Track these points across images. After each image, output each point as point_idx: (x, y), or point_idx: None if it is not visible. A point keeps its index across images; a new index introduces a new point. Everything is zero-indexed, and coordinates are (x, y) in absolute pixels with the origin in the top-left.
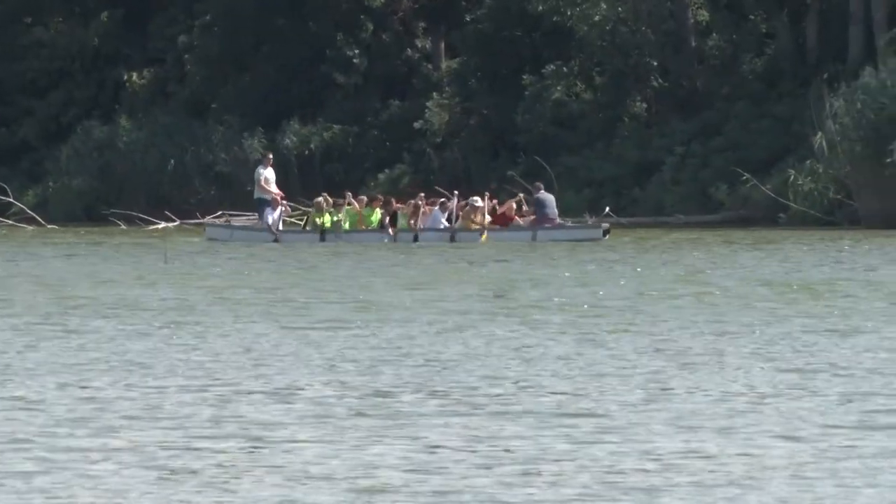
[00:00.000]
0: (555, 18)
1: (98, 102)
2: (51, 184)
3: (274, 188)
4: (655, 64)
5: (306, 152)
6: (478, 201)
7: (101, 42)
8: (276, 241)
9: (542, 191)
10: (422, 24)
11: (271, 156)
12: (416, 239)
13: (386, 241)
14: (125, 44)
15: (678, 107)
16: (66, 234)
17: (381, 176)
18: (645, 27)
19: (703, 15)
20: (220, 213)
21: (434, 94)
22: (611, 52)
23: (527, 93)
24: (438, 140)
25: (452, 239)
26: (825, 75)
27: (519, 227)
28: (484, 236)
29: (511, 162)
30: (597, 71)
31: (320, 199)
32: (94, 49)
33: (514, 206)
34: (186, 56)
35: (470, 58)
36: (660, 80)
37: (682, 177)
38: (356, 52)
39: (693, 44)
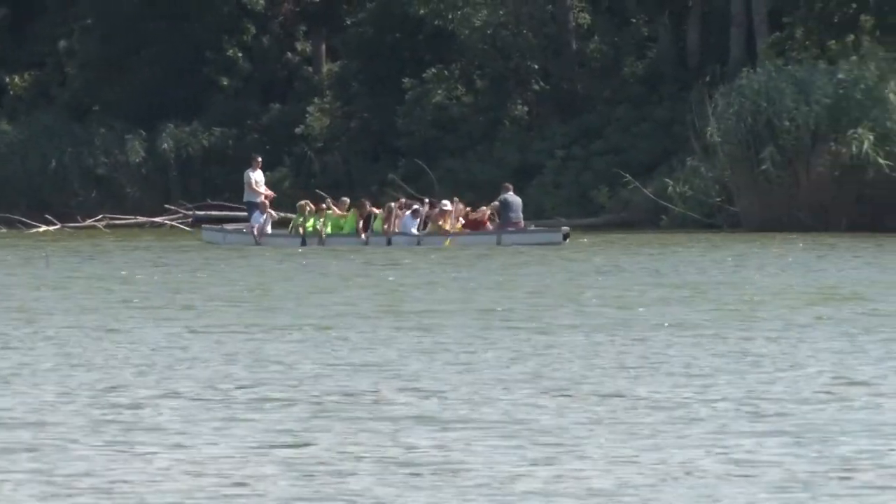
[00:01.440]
0: (436, 22)
1: None
2: None
3: (263, 189)
4: (536, 67)
5: (185, 155)
6: (447, 205)
7: None
8: (257, 244)
9: (510, 192)
10: (302, 28)
11: (260, 158)
12: (388, 242)
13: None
14: (6, 47)
15: (559, 110)
16: None
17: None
18: (526, 30)
19: (585, 18)
20: (100, 216)
21: (315, 97)
22: (492, 55)
23: (408, 96)
24: (319, 144)
25: (419, 243)
26: (706, 78)
27: (484, 231)
28: (448, 241)
29: (392, 165)
30: (478, 74)
31: (303, 202)
32: None
33: (488, 212)
34: (67, 59)
35: (351, 61)
36: (541, 83)
37: (562, 180)
38: (237, 54)
39: (574, 47)
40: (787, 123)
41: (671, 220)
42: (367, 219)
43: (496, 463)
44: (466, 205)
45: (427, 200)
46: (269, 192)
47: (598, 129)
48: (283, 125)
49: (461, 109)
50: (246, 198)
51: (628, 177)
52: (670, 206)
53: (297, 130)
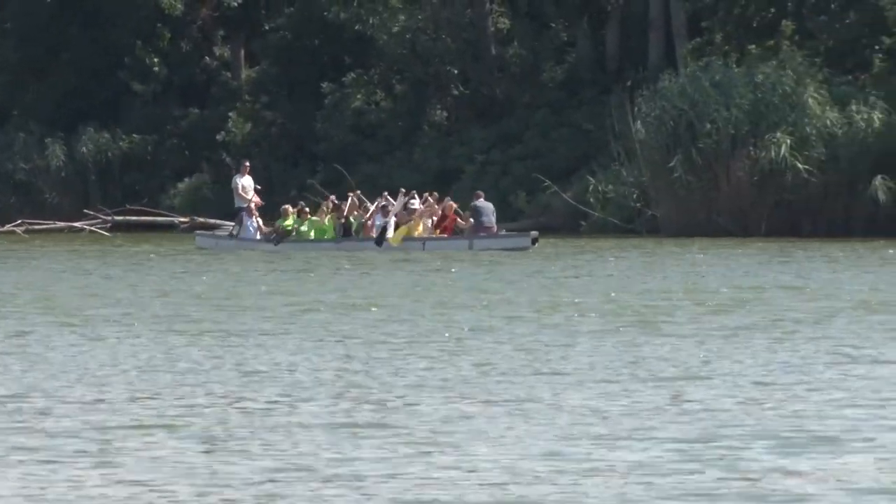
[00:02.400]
0: (356, 27)
1: None
2: None
3: (251, 195)
4: (456, 72)
5: (104, 160)
6: (414, 203)
7: None
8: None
9: (482, 199)
10: (221, 33)
11: (248, 164)
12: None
13: (338, 248)
14: None
15: (478, 115)
16: None
17: (180, 185)
18: (445, 35)
19: (504, 23)
20: (19, 221)
21: (234, 102)
22: (411, 60)
23: (327, 101)
24: (238, 148)
25: (378, 244)
26: (626, 83)
27: (457, 236)
28: (397, 238)
29: (311, 170)
30: (397, 79)
31: (287, 206)
32: None
33: (454, 206)
34: None
35: (270, 66)
36: (460, 88)
37: (482, 185)
38: (155, 60)
39: (493, 52)
40: (708, 126)
41: (590, 225)
42: (346, 222)
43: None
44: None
45: (403, 192)
46: (257, 199)
47: (517, 133)
48: (202, 130)
49: (380, 114)
50: (236, 204)
51: (547, 182)
52: (590, 211)
53: (219, 138)
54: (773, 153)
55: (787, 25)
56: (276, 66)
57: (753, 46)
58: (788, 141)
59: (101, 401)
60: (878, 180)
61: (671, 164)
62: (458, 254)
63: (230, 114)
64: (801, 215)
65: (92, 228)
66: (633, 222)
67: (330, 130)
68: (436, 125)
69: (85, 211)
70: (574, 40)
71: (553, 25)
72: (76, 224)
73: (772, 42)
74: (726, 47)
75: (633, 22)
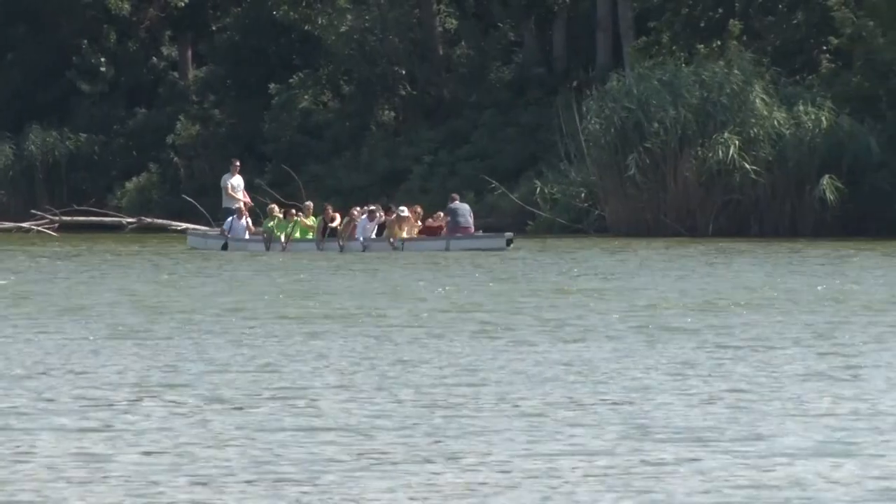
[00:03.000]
0: (306, 27)
1: None
2: None
3: (241, 195)
4: (403, 72)
5: (51, 160)
6: (404, 211)
7: None
8: (224, 247)
9: (457, 201)
10: (168, 33)
11: (238, 163)
12: (341, 249)
13: (319, 249)
14: None
15: (426, 115)
16: None
17: (128, 185)
18: (392, 35)
19: (452, 23)
20: None
21: (181, 103)
22: (358, 60)
23: (274, 102)
24: (186, 149)
25: (364, 249)
26: (573, 83)
27: (434, 237)
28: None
29: (259, 171)
30: (345, 80)
31: (273, 206)
32: None
33: (447, 219)
34: None
35: (217, 67)
36: (408, 89)
37: (430, 185)
38: (101, 60)
39: (441, 52)
40: (655, 126)
41: (538, 225)
42: (327, 225)
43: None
44: (420, 211)
45: (380, 207)
46: (248, 200)
47: (464, 134)
48: (149, 130)
49: (328, 115)
50: (224, 203)
51: (495, 183)
52: (537, 211)
53: (168, 140)
54: (720, 153)
55: (735, 25)
56: (224, 66)
57: (702, 46)
58: (737, 141)
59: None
60: (825, 181)
61: (627, 164)
62: (433, 255)
63: (177, 114)
64: (749, 216)
65: (39, 229)
66: (582, 222)
67: (277, 131)
68: (383, 126)
69: (32, 211)
70: (521, 40)
71: (500, 25)
72: (24, 224)
73: (719, 42)
74: (674, 47)
75: (580, 22)
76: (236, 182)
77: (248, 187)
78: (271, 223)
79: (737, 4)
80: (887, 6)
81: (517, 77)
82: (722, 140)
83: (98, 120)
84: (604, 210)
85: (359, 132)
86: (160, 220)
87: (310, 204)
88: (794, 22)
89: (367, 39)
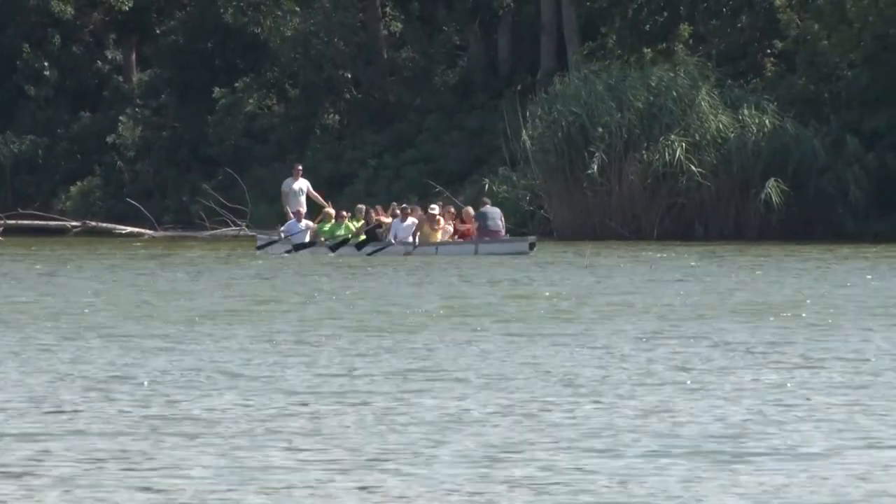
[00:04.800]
0: (256, 30)
1: None
2: None
3: (295, 201)
4: (348, 76)
5: None
6: (435, 209)
7: None
8: (289, 252)
9: (488, 205)
10: (112, 36)
11: (300, 167)
12: (371, 252)
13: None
14: None
15: (371, 119)
16: None
17: (72, 189)
18: (337, 39)
19: (396, 27)
20: None
21: (126, 106)
22: (304, 64)
23: (219, 106)
24: (130, 153)
25: (414, 249)
26: (518, 87)
27: (464, 241)
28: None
29: (204, 175)
30: (290, 83)
31: (329, 210)
32: None
33: (471, 213)
34: None
35: (162, 70)
36: (353, 92)
37: (374, 189)
38: (45, 64)
39: (385, 56)
40: (600, 130)
41: None
42: (373, 228)
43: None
44: (454, 211)
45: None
46: (322, 201)
47: (409, 138)
48: (93, 134)
49: (273, 119)
50: (292, 208)
51: (439, 187)
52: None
53: (109, 139)
54: (666, 156)
55: (685, 29)
56: (169, 69)
57: (648, 51)
58: (682, 145)
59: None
60: (770, 184)
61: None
62: (461, 258)
63: (121, 117)
64: (694, 219)
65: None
66: (527, 226)
67: (223, 135)
68: (328, 129)
69: None
70: (466, 44)
71: (445, 29)
72: None
73: (664, 45)
74: (619, 51)
75: (525, 26)
76: (298, 185)
77: (194, 191)
78: (326, 227)
79: (682, 8)
80: (832, 9)
81: (462, 81)
82: (667, 143)
83: (42, 123)
84: (549, 213)
85: (303, 136)
86: (105, 224)
87: (362, 207)
88: (739, 25)
89: (312, 43)
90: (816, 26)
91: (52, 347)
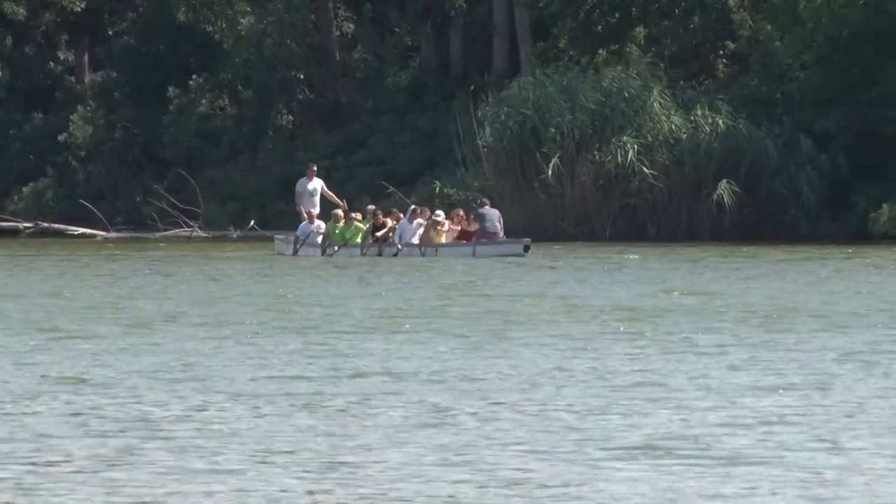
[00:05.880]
0: (209, 28)
1: None
2: None
3: (309, 201)
4: (301, 77)
5: None
6: (440, 216)
7: None
8: (294, 253)
9: (487, 206)
10: (65, 38)
11: (314, 167)
12: (379, 253)
13: (362, 254)
14: None
15: (323, 120)
16: None
17: (25, 189)
18: (290, 40)
19: (349, 27)
20: None
21: (78, 106)
22: (256, 65)
23: (172, 106)
24: (83, 153)
25: (423, 254)
26: (471, 88)
27: (462, 243)
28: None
29: (157, 175)
30: (242, 84)
31: (338, 211)
32: None
33: (465, 219)
34: None
35: (115, 71)
36: (305, 93)
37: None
38: None
39: (338, 57)
40: (552, 131)
41: None
42: (376, 229)
43: None
44: (463, 214)
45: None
46: (337, 200)
47: (361, 139)
48: (45, 135)
49: (226, 119)
50: (307, 208)
51: (391, 188)
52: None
53: (60, 138)
54: (618, 157)
55: (640, 31)
56: (121, 70)
57: (601, 52)
58: (635, 146)
59: None
60: (722, 185)
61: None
62: (458, 260)
63: (72, 118)
64: (646, 220)
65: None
66: None
67: (176, 135)
68: (281, 130)
69: None
70: (418, 45)
71: (397, 30)
72: None
73: (617, 47)
74: (571, 52)
75: (477, 27)
76: (312, 186)
77: (146, 192)
78: (336, 228)
79: (634, 10)
80: (785, 9)
81: (414, 82)
82: (620, 144)
83: None
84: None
85: (256, 137)
86: (57, 225)
87: (372, 208)
88: (692, 26)
89: (264, 44)
90: (769, 27)
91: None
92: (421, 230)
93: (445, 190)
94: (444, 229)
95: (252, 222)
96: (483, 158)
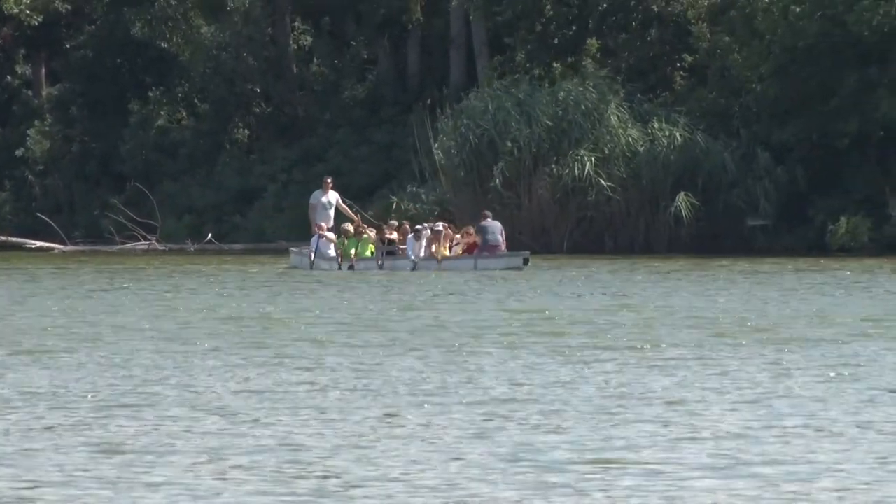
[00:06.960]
0: (162, 43)
1: None
2: None
3: (324, 214)
4: (258, 90)
5: None
6: (438, 227)
7: None
8: (311, 268)
9: (489, 218)
10: (22, 51)
11: (330, 180)
12: (380, 267)
13: (379, 268)
14: None
15: (280, 133)
16: None
17: None
18: (246, 53)
19: (306, 41)
20: None
21: (35, 120)
22: (213, 78)
23: (131, 120)
24: (40, 167)
25: (414, 268)
26: (428, 101)
27: (464, 256)
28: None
29: (114, 189)
30: (200, 97)
31: (347, 225)
32: None
33: (474, 234)
34: None
35: (72, 84)
36: (262, 106)
37: (284, 203)
38: None
39: (295, 70)
40: (509, 144)
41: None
42: (383, 244)
43: None
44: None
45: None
46: (352, 214)
47: (319, 152)
48: (3, 149)
49: (183, 133)
50: (320, 221)
51: (349, 201)
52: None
53: (18, 153)
54: (575, 170)
55: (593, 44)
56: (79, 84)
57: (557, 65)
58: (592, 158)
59: None
60: (680, 197)
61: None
62: (459, 273)
63: (30, 131)
64: (604, 232)
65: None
66: None
67: (133, 149)
68: (238, 144)
69: None
70: (375, 58)
71: (354, 43)
72: None
73: (573, 59)
74: (528, 65)
75: (434, 40)
76: (326, 199)
77: (104, 206)
78: (347, 242)
79: (590, 22)
80: (743, 21)
81: (371, 95)
82: (577, 157)
83: None
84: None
85: (213, 150)
86: (14, 238)
87: (394, 223)
88: (648, 39)
89: (221, 58)
90: (727, 39)
91: None
92: (425, 244)
93: (402, 205)
94: (448, 242)
95: (209, 236)
96: (440, 171)
